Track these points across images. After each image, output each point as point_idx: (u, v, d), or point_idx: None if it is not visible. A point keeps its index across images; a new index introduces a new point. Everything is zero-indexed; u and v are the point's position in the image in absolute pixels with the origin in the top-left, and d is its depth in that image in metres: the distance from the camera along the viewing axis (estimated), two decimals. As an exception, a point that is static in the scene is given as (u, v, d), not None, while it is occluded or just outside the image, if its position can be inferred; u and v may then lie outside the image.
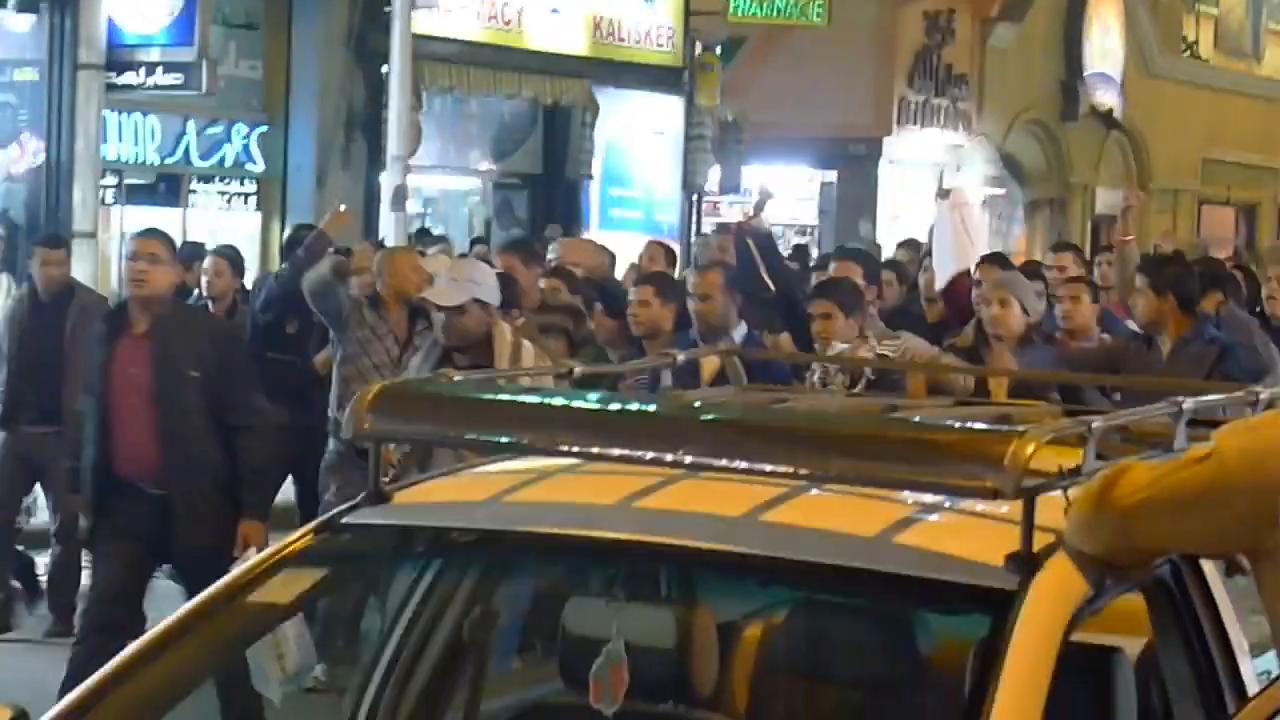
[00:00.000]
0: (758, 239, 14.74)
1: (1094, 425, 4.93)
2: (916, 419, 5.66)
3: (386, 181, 19.86)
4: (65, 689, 7.85)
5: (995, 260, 15.93)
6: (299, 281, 13.33)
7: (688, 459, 5.06)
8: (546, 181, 27.10)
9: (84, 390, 11.42)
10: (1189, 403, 5.57)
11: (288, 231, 18.17)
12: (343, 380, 12.57)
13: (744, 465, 5.10)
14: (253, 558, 9.59)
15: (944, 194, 16.57)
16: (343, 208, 15.19)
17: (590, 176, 27.39)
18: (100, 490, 10.92)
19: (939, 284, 15.99)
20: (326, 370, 13.80)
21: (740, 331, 12.36)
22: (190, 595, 9.93)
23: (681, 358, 8.17)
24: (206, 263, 14.80)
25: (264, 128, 23.69)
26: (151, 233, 12.51)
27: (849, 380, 10.70)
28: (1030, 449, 4.58)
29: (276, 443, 12.71)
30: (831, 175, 33.65)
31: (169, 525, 10.60)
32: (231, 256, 15.94)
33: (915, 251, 19.59)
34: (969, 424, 5.36)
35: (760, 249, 14.57)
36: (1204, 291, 14.08)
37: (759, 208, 15.77)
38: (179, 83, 20.95)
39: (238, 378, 11.14)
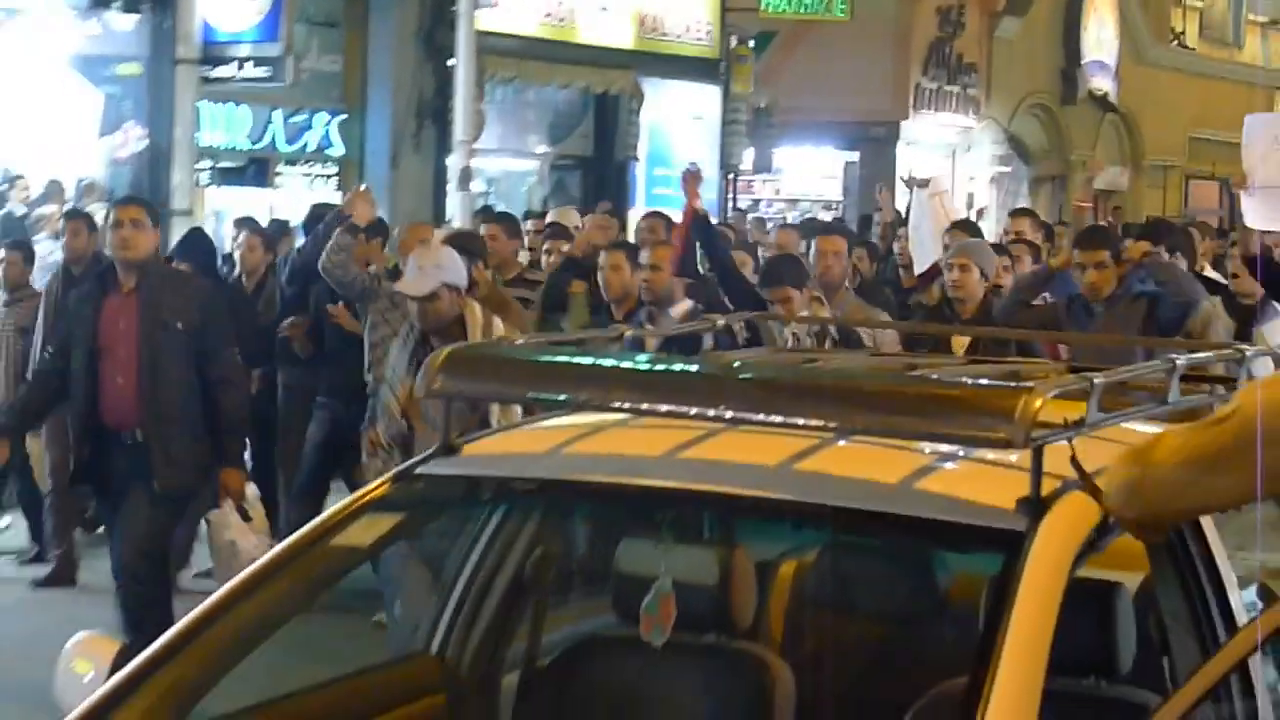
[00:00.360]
0: (700, 223, 14.43)
1: (1096, 381, 4.97)
2: (934, 376, 5.69)
3: (453, 164, 19.84)
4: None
5: (963, 227, 15.77)
6: (318, 256, 13.28)
7: (728, 413, 5.11)
8: (597, 163, 27.09)
9: (73, 345, 11.08)
10: (1181, 359, 5.63)
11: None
12: (370, 347, 12.49)
13: (779, 419, 5.16)
14: (229, 509, 9.81)
15: (921, 183, 15.91)
16: (363, 187, 14.79)
17: (636, 158, 27.41)
18: (88, 438, 10.90)
19: (918, 268, 15.88)
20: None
21: (686, 304, 12.26)
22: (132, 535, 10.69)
23: (721, 321, 8.16)
24: (239, 237, 14.61)
25: (343, 116, 23.72)
26: (132, 200, 12.73)
27: (817, 343, 10.74)
28: (1038, 403, 4.63)
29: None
30: (854, 156, 33.53)
31: (147, 469, 10.47)
32: (263, 232, 15.86)
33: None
34: (982, 380, 5.38)
35: (701, 232, 14.37)
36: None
37: (692, 184, 14.85)
38: (267, 75, 21.00)
39: (218, 333, 11.01)
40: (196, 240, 15.31)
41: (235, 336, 11.42)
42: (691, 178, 14.62)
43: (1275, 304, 13.32)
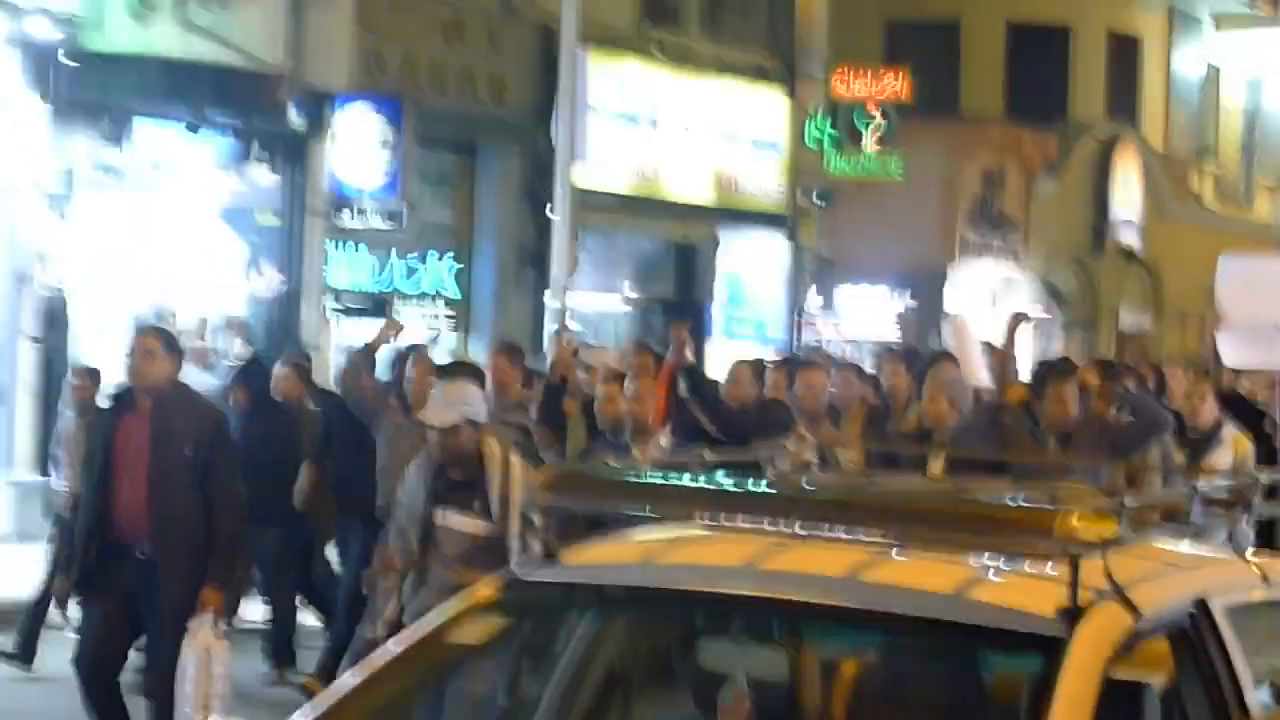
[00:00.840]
0: (685, 368, 14.22)
1: (1126, 502, 4.97)
2: (984, 498, 5.70)
3: (550, 302, 19.90)
4: None
5: (948, 358, 14.96)
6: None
7: (799, 528, 5.09)
8: (678, 303, 27.07)
9: (83, 463, 11.15)
10: (1203, 484, 5.61)
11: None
12: (380, 469, 12.30)
13: (843, 533, 5.14)
14: (206, 625, 9.62)
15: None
16: (397, 315, 15.32)
17: (713, 299, 27.39)
18: (95, 551, 10.54)
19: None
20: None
21: (665, 435, 12.08)
22: (152, 651, 10.49)
23: (792, 446, 8.19)
24: (277, 370, 13.84)
25: (453, 258, 23.78)
26: (148, 330, 12.32)
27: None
28: (1075, 521, 4.61)
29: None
30: (906, 300, 33.54)
31: (154, 582, 10.25)
32: (300, 365, 15.26)
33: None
34: (1026, 502, 5.37)
35: (688, 375, 14.12)
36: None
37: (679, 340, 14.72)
38: (389, 225, 21.07)
39: (222, 458, 10.73)
40: (254, 370, 15.09)
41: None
42: (679, 333, 14.61)
43: (1219, 435, 13.14)
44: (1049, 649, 4.70)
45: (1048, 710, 4.61)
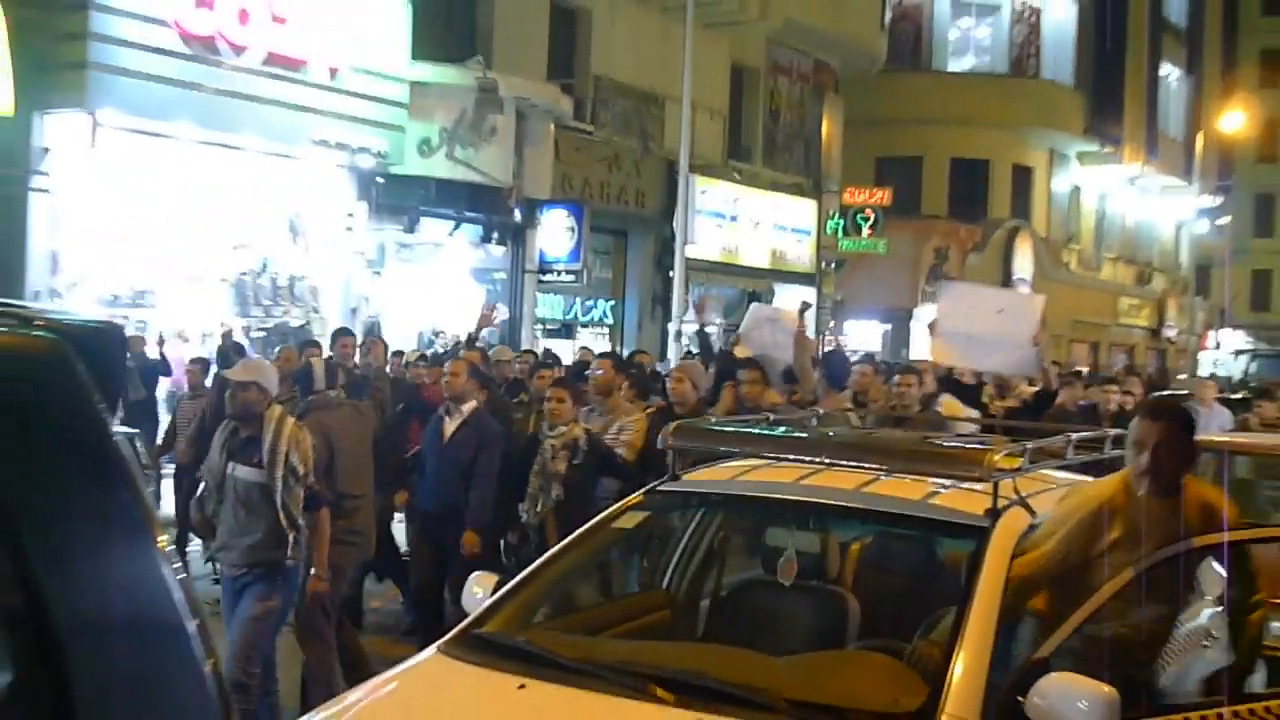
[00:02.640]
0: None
1: (1028, 445, 5.06)
2: (940, 442, 5.87)
3: (671, 329, 19.93)
4: None
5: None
6: None
7: (827, 460, 5.19)
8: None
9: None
10: (1075, 436, 5.70)
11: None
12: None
13: (853, 464, 5.24)
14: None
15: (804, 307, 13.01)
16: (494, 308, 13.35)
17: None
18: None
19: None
20: None
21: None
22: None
23: (823, 409, 8.18)
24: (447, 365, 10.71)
25: (612, 302, 23.86)
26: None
27: None
28: (997, 457, 4.69)
29: None
30: (888, 327, 33.38)
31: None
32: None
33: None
34: (967, 444, 5.50)
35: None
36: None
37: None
38: (572, 281, 21.14)
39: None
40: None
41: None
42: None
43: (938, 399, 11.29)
44: (980, 535, 4.87)
45: (979, 572, 4.71)
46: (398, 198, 17.84)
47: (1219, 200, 47.22)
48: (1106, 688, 4.28)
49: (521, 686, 4.57)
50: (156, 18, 14.33)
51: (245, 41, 15.17)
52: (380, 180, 17.35)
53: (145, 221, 14.86)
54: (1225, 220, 48.88)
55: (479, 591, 5.31)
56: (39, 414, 2.35)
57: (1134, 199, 45.21)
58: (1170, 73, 46.40)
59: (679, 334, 19.84)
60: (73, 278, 14.14)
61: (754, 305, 13.44)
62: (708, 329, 20.48)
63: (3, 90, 12.77)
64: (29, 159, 13.90)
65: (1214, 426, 7.00)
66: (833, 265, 29.58)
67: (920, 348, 32.48)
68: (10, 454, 2.27)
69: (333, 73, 16.18)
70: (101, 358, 2.51)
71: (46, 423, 2.37)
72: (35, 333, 2.49)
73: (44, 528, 2.27)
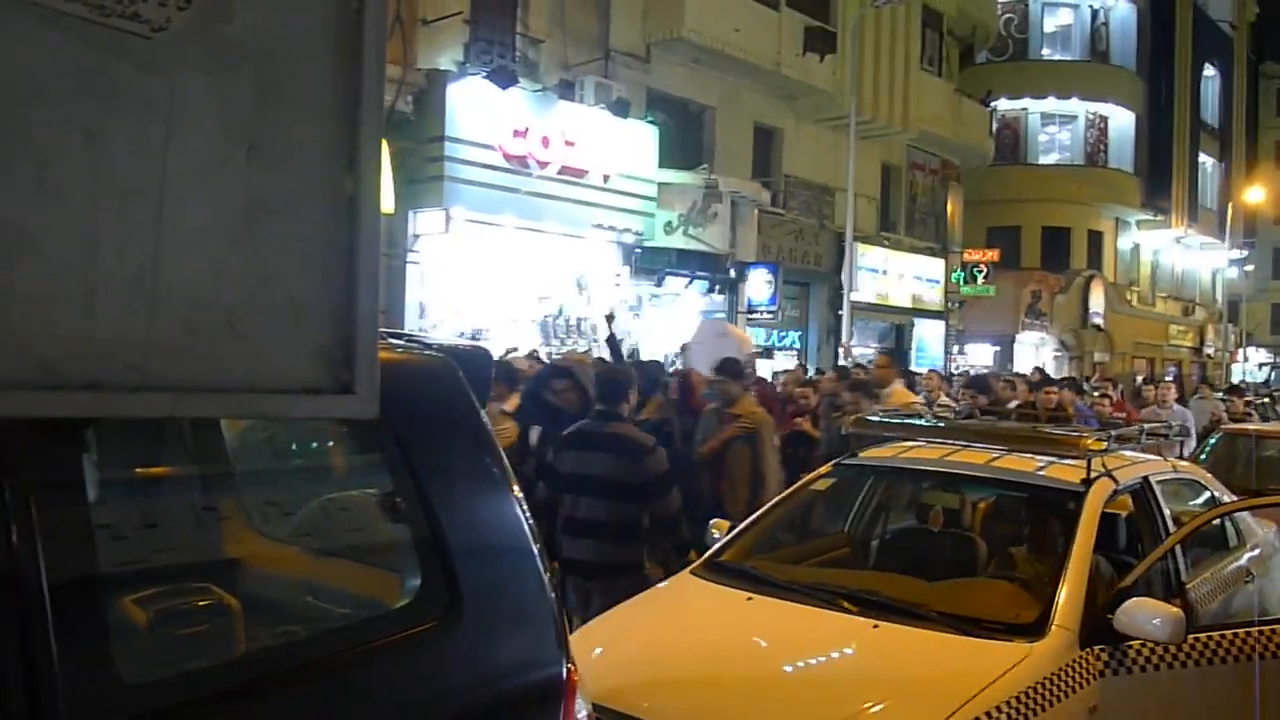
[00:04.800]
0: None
1: (1112, 434, 4.85)
2: (1049, 430, 5.66)
3: (842, 353, 19.72)
4: None
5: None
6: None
7: (964, 443, 5.05)
8: (899, 352, 26.48)
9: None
10: (1148, 426, 5.47)
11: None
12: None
13: (985, 446, 5.08)
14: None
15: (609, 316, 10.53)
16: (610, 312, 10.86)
17: (911, 349, 26.77)
18: None
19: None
20: None
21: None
22: None
23: (966, 412, 7.98)
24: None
25: (799, 332, 23.64)
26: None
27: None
28: (1091, 441, 4.50)
29: None
30: (997, 348, 32.45)
31: None
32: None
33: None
34: (1069, 433, 5.31)
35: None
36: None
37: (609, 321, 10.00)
38: (771, 318, 20.99)
39: None
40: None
41: None
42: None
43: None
44: (1078, 497, 4.65)
45: (1077, 523, 4.53)
46: (650, 263, 17.91)
47: (1245, 253, 44.87)
48: (1174, 609, 4.14)
49: (749, 599, 4.59)
50: (487, 144, 14.75)
51: (547, 158, 15.50)
52: (638, 250, 17.46)
53: (482, 282, 15.28)
54: (1250, 267, 46.65)
55: (716, 533, 5.33)
56: (436, 406, 2.44)
57: (1180, 253, 43.25)
58: (1206, 160, 44.33)
59: (847, 355, 19.62)
60: (434, 320, 14.61)
61: (705, 320, 11.13)
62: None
63: (388, 196, 13.29)
64: (405, 242, 14.42)
65: (1175, 424, 6.64)
66: (957, 305, 28.70)
67: (1022, 363, 31.57)
68: (419, 433, 2.36)
69: (605, 178, 16.41)
70: (473, 369, 2.59)
71: (441, 412, 2.45)
72: (430, 353, 2.58)
73: (441, 481, 2.35)
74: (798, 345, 23.48)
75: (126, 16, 1.38)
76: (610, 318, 10.33)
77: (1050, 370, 30.67)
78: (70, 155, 1.34)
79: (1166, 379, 17.82)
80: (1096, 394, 13.05)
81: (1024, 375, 15.38)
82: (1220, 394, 16.85)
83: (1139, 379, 29.22)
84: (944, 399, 10.84)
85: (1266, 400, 20.98)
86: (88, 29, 1.32)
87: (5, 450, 1.61)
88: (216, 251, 1.43)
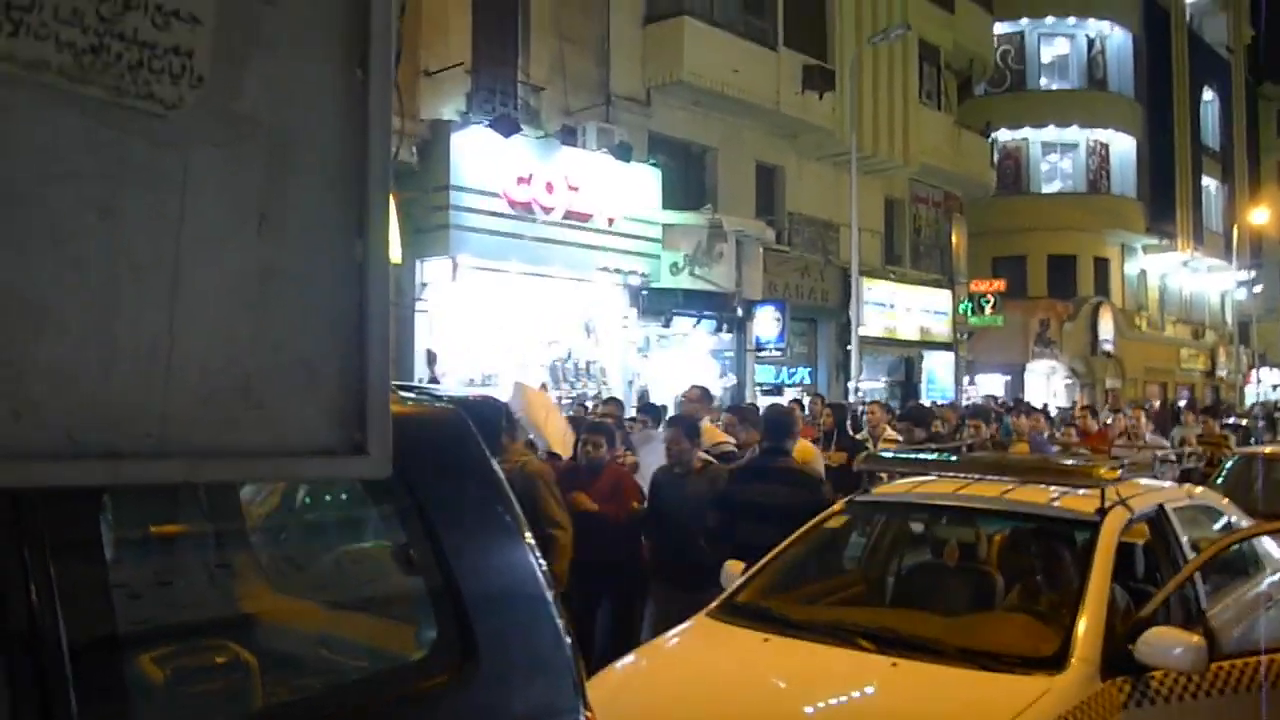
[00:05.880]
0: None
1: (1125, 462, 4.85)
2: (1065, 461, 5.66)
3: (851, 385, 19.71)
4: None
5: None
6: None
7: (976, 476, 5.03)
8: (907, 384, 26.45)
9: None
10: (1160, 453, 5.45)
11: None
12: None
13: (996, 478, 5.06)
14: None
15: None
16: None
17: (921, 381, 26.72)
18: None
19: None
20: None
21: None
22: None
23: (969, 446, 7.97)
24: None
25: (809, 368, 23.58)
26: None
27: None
28: (1102, 471, 4.49)
29: None
30: (1007, 378, 32.43)
31: None
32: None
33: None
34: (1081, 463, 5.28)
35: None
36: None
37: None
38: (779, 355, 20.95)
39: None
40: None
41: None
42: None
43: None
44: (1093, 527, 4.62)
45: (1093, 555, 4.51)
46: (657, 303, 17.95)
47: (1252, 274, 44.71)
48: (1195, 637, 4.11)
49: (766, 640, 4.58)
50: (492, 191, 14.86)
51: (551, 204, 15.60)
52: (645, 292, 17.52)
53: (490, 328, 15.33)
54: (1259, 288, 46.52)
55: (733, 573, 5.33)
56: (447, 457, 2.46)
57: (1187, 276, 43.18)
58: (1209, 183, 44.38)
59: (856, 389, 19.60)
60: (443, 368, 14.64)
61: (516, 384, 9.64)
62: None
63: (396, 245, 13.36)
64: (413, 291, 14.50)
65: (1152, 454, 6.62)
66: (965, 335, 28.65)
67: (1032, 393, 31.55)
68: (430, 484, 2.38)
69: (610, 221, 16.51)
70: (482, 419, 2.61)
71: (451, 462, 2.47)
72: (440, 404, 2.61)
73: (453, 531, 2.37)
74: (808, 380, 23.47)
75: (142, 96, 1.43)
76: (431, 359, 9.64)
77: (1063, 399, 30.70)
78: (87, 231, 1.39)
79: (1139, 406, 17.53)
80: (1077, 422, 12.92)
81: (985, 406, 15.37)
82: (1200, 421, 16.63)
83: (1153, 404, 29.17)
84: (890, 432, 10.71)
85: (1248, 422, 20.77)
86: (104, 109, 1.38)
87: (24, 512, 1.64)
88: (230, 319, 1.47)
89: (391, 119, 1.58)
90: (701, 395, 9.59)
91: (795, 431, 6.65)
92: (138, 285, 1.41)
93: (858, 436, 10.81)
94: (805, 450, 7.78)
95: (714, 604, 5.08)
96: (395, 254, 13.45)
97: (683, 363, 18.98)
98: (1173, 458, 6.20)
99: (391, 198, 1.64)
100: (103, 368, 1.39)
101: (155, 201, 1.43)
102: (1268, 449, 11.58)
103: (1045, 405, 20.95)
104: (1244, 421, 21.33)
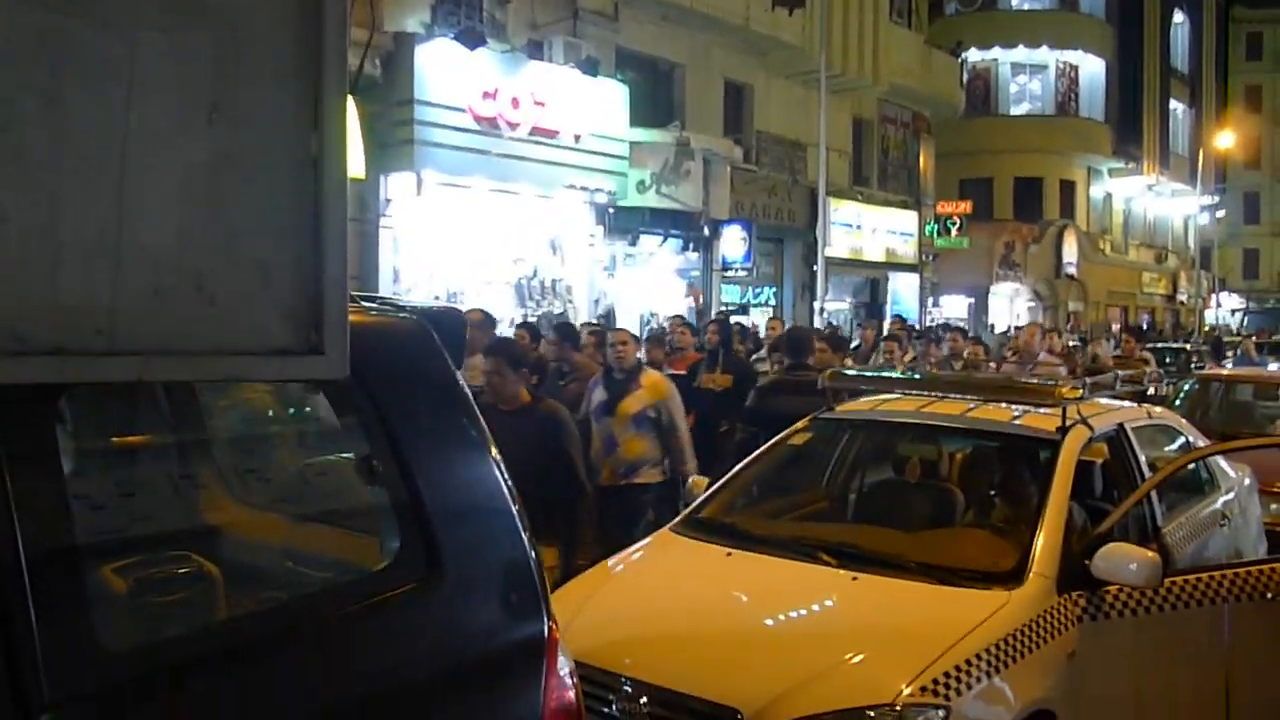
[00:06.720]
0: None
1: (1088, 381, 4.87)
2: (1025, 379, 5.69)
3: (817, 306, 19.75)
4: None
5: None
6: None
7: (939, 393, 5.05)
8: (872, 305, 26.58)
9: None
10: (1123, 374, 5.50)
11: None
12: None
13: (959, 396, 5.08)
14: None
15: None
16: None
17: (886, 302, 26.81)
18: None
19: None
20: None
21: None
22: None
23: (966, 367, 7.99)
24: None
25: (774, 288, 23.62)
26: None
27: None
28: (1066, 389, 4.51)
29: None
30: (971, 300, 32.60)
31: None
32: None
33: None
34: (1044, 381, 5.32)
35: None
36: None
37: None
38: (745, 275, 20.96)
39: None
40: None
41: None
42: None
43: None
44: (1054, 446, 4.66)
45: (1053, 471, 4.55)
46: (624, 222, 17.80)
47: (1216, 199, 45.05)
48: (1150, 553, 4.18)
49: (729, 554, 4.61)
50: (457, 106, 14.61)
51: (517, 119, 15.37)
52: (611, 210, 17.34)
53: (455, 245, 15.18)
54: (1221, 213, 46.93)
55: (696, 490, 5.35)
56: (411, 368, 2.42)
57: (1152, 200, 43.49)
58: (1177, 107, 44.47)
59: (821, 310, 19.64)
60: (408, 285, 14.53)
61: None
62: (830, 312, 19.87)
63: (359, 160, 13.16)
64: (377, 206, 14.31)
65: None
66: (930, 257, 28.71)
67: (996, 315, 31.72)
68: (393, 396, 2.34)
69: (577, 138, 16.31)
70: (446, 330, 2.57)
71: (415, 374, 2.43)
72: (403, 315, 2.56)
73: (417, 443, 2.34)
74: (773, 301, 23.49)
75: (83, -26, 1.33)
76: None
77: (1023, 319, 30.98)
78: (29, 119, 1.32)
79: (1027, 325, 17.18)
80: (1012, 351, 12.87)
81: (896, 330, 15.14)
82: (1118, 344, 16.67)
83: (1114, 327, 29.45)
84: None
85: (1189, 346, 20.89)
86: (44, -12, 1.30)
87: (-25, 423, 1.58)
88: (181, 213, 1.42)
89: (347, 8, 1.50)
90: (483, 319, 8.34)
91: (813, 348, 7.72)
92: (83, 176, 1.35)
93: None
94: (655, 383, 6.97)
95: (678, 519, 5.10)
96: (359, 168, 13.32)
97: (649, 281, 18.93)
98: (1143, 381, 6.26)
99: (354, 108, 1.58)
100: (48, 262, 1.33)
101: (100, 88, 1.36)
102: (1225, 371, 11.74)
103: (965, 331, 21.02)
104: (1186, 346, 21.55)
